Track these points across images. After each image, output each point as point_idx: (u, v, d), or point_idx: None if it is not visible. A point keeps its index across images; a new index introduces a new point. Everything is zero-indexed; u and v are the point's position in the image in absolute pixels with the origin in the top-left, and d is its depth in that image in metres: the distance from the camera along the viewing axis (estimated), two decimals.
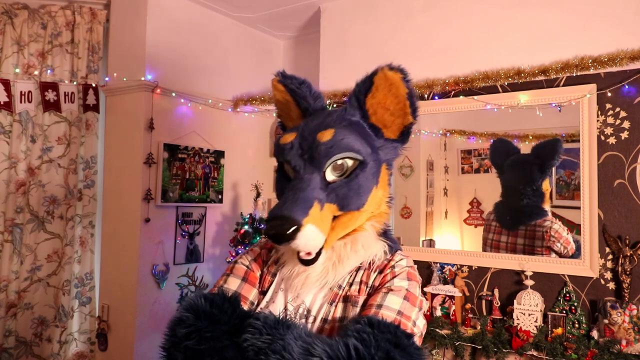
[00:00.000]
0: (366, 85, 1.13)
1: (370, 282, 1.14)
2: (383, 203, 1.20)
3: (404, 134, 1.18)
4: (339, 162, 1.08)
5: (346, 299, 1.12)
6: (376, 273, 1.15)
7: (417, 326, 1.09)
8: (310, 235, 1.01)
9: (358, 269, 1.16)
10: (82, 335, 3.24)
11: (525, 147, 2.70)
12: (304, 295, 1.14)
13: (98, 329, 3.15)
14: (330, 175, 1.09)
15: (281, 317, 1.01)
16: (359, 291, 1.12)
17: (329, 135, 1.08)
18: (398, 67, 1.09)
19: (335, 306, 1.11)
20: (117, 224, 3.16)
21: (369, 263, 1.16)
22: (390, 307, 1.06)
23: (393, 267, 1.15)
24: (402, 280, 1.12)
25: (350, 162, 1.09)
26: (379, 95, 1.13)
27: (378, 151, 1.15)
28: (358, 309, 1.09)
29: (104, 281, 3.26)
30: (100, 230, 3.31)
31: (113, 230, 3.20)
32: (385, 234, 1.21)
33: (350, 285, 1.14)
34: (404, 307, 1.07)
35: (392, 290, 1.09)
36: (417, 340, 1.07)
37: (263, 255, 1.25)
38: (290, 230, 0.99)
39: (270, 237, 1.01)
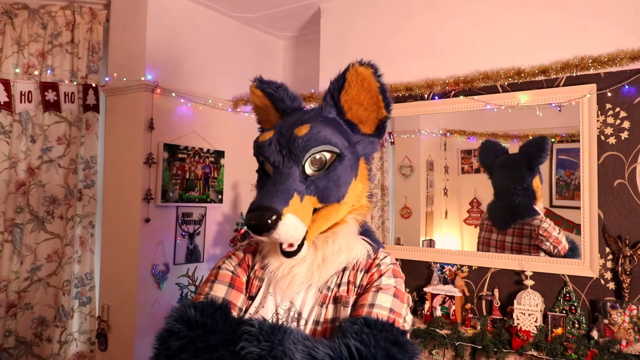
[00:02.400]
0: (339, 82, 1.16)
1: (357, 282, 1.15)
2: (363, 197, 1.22)
3: (380, 128, 1.21)
4: (317, 156, 1.10)
5: (336, 300, 1.13)
6: (363, 272, 1.16)
7: (407, 322, 1.13)
8: (291, 224, 1.02)
9: (344, 269, 1.17)
10: (82, 335, 3.24)
11: (513, 147, 2.72)
12: (291, 297, 1.14)
13: (98, 329, 3.15)
14: (308, 169, 1.11)
15: (275, 322, 1.01)
16: (347, 291, 1.14)
17: (305, 129, 1.10)
18: (368, 62, 1.13)
19: (326, 308, 1.12)
20: (117, 224, 3.16)
21: (354, 263, 1.17)
22: (382, 306, 1.08)
23: (379, 265, 1.17)
24: (389, 278, 1.15)
25: (328, 156, 1.11)
26: (352, 92, 1.15)
27: (355, 145, 1.18)
28: (349, 309, 1.11)
29: (104, 281, 3.25)
30: (100, 230, 3.30)
31: (113, 230, 3.20)
32: (366, 233, 1.23)
33: (339, 286, 1.15)
34: (395, 305, 1.10)
35: (381, 288, 1.12)
36: (408, 336, 1.09)
37: (248, 260, 1.24)
38: (271, 220, 0.99)
39: (251, 227, 1.01)
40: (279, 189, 1.05)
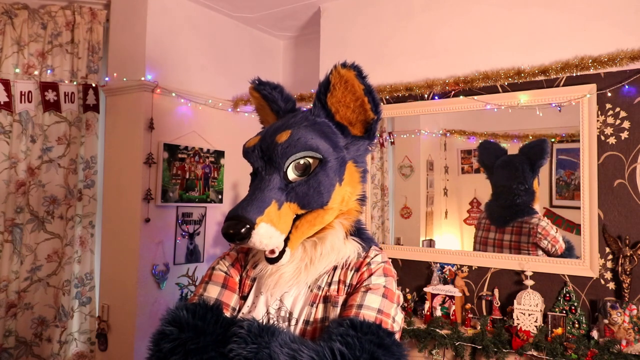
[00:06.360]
0: (325, 85, 1.16)
1: (348, 281, 1.15)
2: (352, 200, 1.21)
3: (369, 130, 1.20)
4: (301, 161, 1.10)
5: (326, 300, 1.13)
6: (353, 271, 1.16)
7: (397, 322, 1.11)
8: (263, 233, 1.03)
9: (335, 268, 1.17)
10: (82, 335, 3.24)
11: (512, 148, 2.73)
12: (280, 295, 1.15)
13: (98, 329, 3.15)
14: (292, 174, 1.10)
15: (264, 323, 1.02)
16: (337, 291, 1.14)
17: (285, 136, 1.10)
18: (352, 64, 1.11)
19: (316, 307, 1.13)
20: (117, 224, 3.16)
21: (345, 262, 1.17)
22: (370, 307, 1.08)
23: (369, 264, 1.16)
24: (379, 277, 1.14)
25: (311, 161, 1.11)
26: (338, 94, 1.15)
27: (343, 149, 1.17)
28: (338, 309, 1.11)
29: (104, 281, 3.25)
30: (100, 230, 3.30)
31: (113, 230, 3.20)
32: (358, 232, 1.22)
33: (329, 285, 1.15)
34: (383, 305, 1.09)
35: (370, 289, 1.11)
36: (397, 336, 1.09)
37: (241, 259, 1.25)
38: (244, 230, 1.00)
39: (226, 236, 1.02)
40: (256, 197, 1.06)
